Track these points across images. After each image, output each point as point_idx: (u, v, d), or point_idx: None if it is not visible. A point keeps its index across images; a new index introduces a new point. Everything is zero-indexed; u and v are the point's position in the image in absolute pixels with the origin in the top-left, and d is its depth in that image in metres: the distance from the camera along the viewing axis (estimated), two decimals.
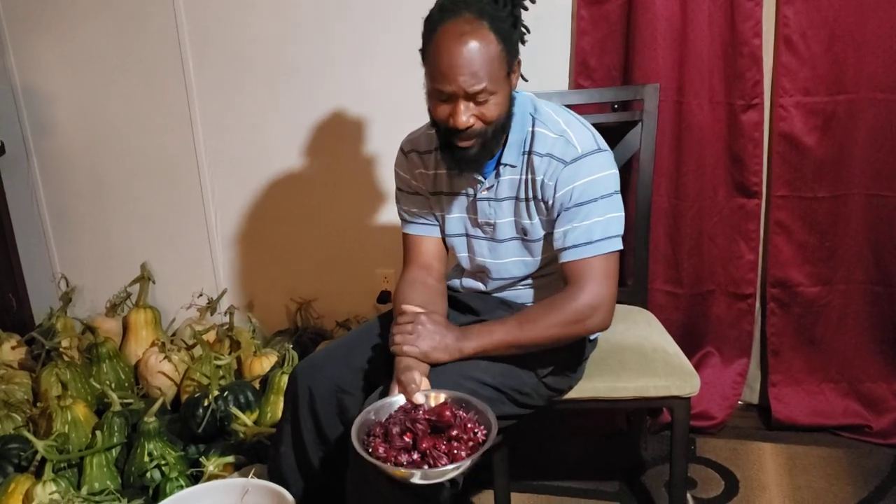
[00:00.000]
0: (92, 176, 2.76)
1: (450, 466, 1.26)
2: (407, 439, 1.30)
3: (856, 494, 2.01)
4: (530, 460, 2.22)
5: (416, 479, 1.27)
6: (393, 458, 1.28)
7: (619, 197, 1.53)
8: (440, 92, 1.43)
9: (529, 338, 1.49)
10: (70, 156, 2.76)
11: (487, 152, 1.51)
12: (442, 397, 1.39)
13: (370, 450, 1.29)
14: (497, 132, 1.49)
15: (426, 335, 1.46)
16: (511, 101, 1.51)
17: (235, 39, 2.47)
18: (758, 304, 2.33)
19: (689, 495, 2.01)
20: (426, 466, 1.27)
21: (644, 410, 2.25)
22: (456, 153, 1.50)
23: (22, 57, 2.67)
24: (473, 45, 1.38)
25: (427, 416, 1.33)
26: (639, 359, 1.78)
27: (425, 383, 1.42)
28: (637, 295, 2.08)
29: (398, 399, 1.40)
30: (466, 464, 1.26)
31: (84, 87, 2.66)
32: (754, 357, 2.37)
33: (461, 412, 1.36)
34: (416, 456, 1.29)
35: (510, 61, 1.45)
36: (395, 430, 1.31)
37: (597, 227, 1.49)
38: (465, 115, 1.43)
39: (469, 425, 1.33)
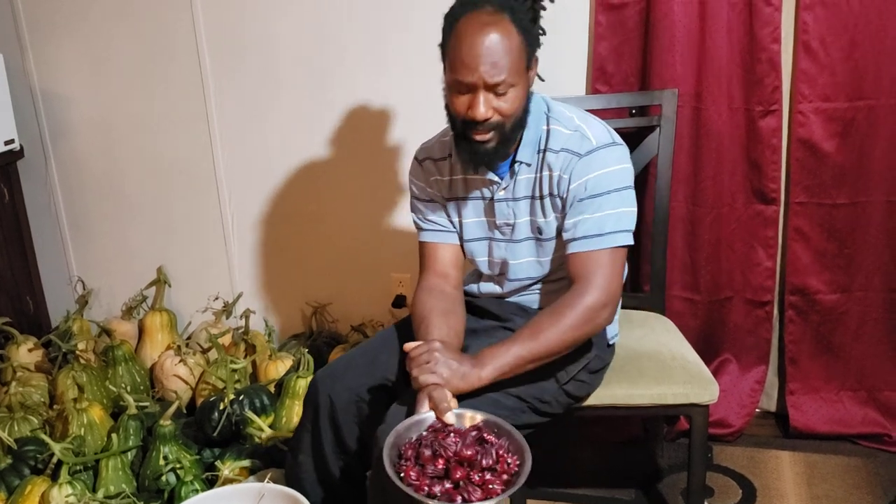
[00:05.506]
0: (109, 179, 2.78)
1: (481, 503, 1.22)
2: (439, 466, 1.26)
3: None
4: (546, 468, 2.21)
5: None
6: (426, 487, 1.23)
7: (632, 192, 1.52)
8: (460, 83, 1.43)
9: (545, 348, 1.45)
10: (88, 159, 2.77)
11: (504, 148, 1.51)
12: (476, 417, 1.35)
13: (402, 474, 1.25)
14: (514, 128, 1.49)
15: (442, 363, 1.40)
16: (528, 97, 1.51)
17: (253, 42, 2.48)
18: (776, 312, 2.31)
19: (706, 503, 1.99)
20: (459, 499, 1.22)
21: (661, 418, 2.24)
22: (473, 146, 1.49)
23: (41, 60, 2.69)
24: (495, 36, 1.39)
25: (453, 453, 1.27)
26: (657, 366, 1.78)
27: (454, 402, 1.38)
28: (655, 301, 2.07)
29: (429, 416, 1.35)
30: (498, 500, 1.22)
31: (102, 90, 2.67)
32: (772, 365, 2.35)
33: (493, 437, 1.31)
34: (448, 485, 1.24)
35: (529, 56, 1.45)
36: (427, 452, 1.27)
37: (608, 219, 1.49)
38: (484, 107, 1.42)
39: (501, 453, 1.28)
